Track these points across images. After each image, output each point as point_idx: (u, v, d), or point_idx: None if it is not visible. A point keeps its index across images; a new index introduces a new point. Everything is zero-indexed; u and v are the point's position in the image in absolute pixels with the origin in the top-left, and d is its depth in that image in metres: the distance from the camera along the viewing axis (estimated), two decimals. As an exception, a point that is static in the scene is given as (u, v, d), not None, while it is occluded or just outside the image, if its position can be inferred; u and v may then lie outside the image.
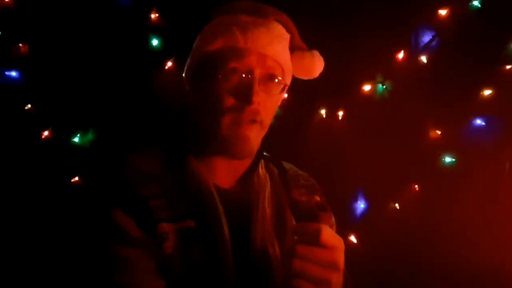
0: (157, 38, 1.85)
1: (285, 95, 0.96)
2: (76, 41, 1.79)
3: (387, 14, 1.86)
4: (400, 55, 1.90)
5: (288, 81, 0.94)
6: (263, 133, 0.90)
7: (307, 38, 0.97)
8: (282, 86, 0.90)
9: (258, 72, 0.86)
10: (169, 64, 1.84)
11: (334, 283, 0.65)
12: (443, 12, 1.87)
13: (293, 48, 0.94)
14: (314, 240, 0.65)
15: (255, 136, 0.87)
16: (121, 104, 1.80)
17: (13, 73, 1.80)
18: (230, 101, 0.85)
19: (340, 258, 0.67)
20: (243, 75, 0.85)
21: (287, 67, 0.92)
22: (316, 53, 0.96)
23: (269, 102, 0.88)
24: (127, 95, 1.80)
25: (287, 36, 0.92)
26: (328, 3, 1.86)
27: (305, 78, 0.98)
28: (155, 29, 1.85)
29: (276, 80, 0.89)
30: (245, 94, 0.84)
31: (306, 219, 0.69)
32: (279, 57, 0.89)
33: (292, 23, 0.94)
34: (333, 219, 1.03)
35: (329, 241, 0.66)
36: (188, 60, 0.94)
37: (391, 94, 1.92)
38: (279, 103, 0.94)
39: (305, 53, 0.95)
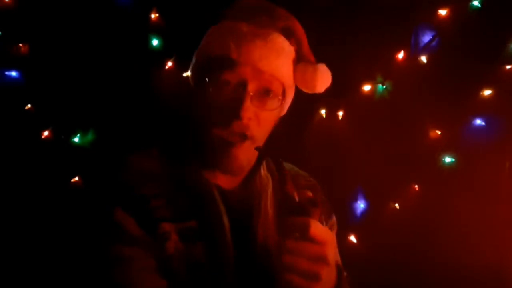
0: (157, 38, 1.85)
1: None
2: (76, 41, 1.79)
3: (387, 14, 1.86)
4: (400, 55, 1.90)
5: (289, 96, 0.91)
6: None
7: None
8: (279, 102, 0.87)
9: (252, 86, 0.83)
10: (169, 64, 1.84)
11: (324, 277, 0.65)
12: (443, 12, 1.87)
13: (299, 59, 0.90)
14: (303, 234, 0.65)
15: (244, 154, 0.85)
16: (121, 104, 1.80)
17: (13, 73, 1.80)
18: (219, 114, 0.83)
19: (330, 252, 0.66)
20: (235, 88, 0.83)
21: (287, 82, 0.88)
22: (322, 68, 0.90)
23: (263, 117, 0.85)
24: (127, 95, 1.80)
25: (289, 49, 0.88)
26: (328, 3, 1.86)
27: (308, 92, 0.92)
28: (155, 29, 1.85)
29: (277, 96, 0.86)
30: (234, 109, 0.81)
31: (296, 213, 0.68)
32: (276, 72, 0.85)
33: (301, 31, 0.91)
34: (334, 219, 1.03)
35: (318, 235, 0.65)
36: (193, 59, 0.93)
37: (391, 94, 1.92)
38: (276, 119, 0.91)
39: (308, 67, 0.89)
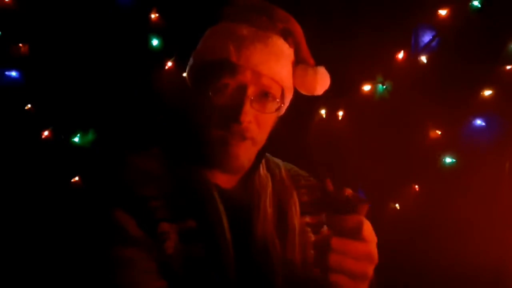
0: (157, 38, 1.85)
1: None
2: (76, 41, 1.79)
3: (387, 14, 1.86)
4: (400, 55, 1.90)
5: (288, 99, 0.92)
6: (255, 148, 0.88)
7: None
8: (278, 104, 0.87)
9: (251, 90, 0.83)
10: (169, 64, 1.84)
11: (370, 277, 0.64)
12: (443, 12, 1.87)
13: (298, 61, 0.90)
14: (355, 233, 0.63)
15: (244, 153, 0.85)
16: (121, 104, 1.80)
17: (13, 73, 1.80)
18: (218, 118, 0.83)
19: (375, 250, 0.65)
20: (235, 92, 0.83)
21: (286, 85, 0.89)
22: (321, 70, 0.91)
23: (263, 120, 0.86)
24: (127, 95, 1.80)
25: (289, 51, 0.89)
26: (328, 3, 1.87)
27: (307, 94, 0.93)
28: (155, 29, 1.85)
29: (276, 99, 0.86)
30: (234, 113, 0.82)
31: (343, 211, 0.65)
32: (276, 75, 0.85)
33: (301, 33, 0.91)
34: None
35: (368, 234, 0.64)
36: (190, 61, 0.93)
37: (391, 94, 1.92)
38: (275, 119, 0.91)
39: (308, 69, 0.90)
